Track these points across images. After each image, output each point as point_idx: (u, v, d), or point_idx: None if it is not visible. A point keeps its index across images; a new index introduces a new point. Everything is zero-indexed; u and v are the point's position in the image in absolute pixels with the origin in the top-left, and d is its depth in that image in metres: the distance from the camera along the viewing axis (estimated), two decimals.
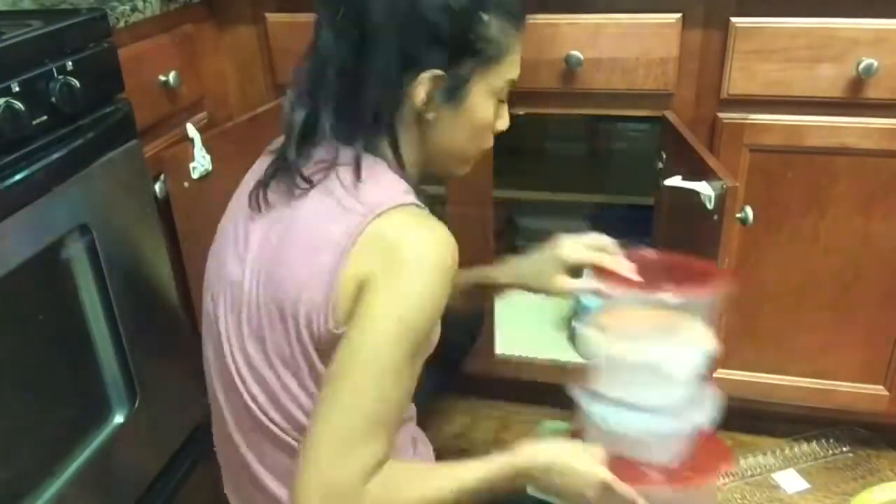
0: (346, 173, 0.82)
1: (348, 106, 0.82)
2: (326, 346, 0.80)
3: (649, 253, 1.10)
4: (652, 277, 1.01)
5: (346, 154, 0.83)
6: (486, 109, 0.88)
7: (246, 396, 0.88)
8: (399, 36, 0.79)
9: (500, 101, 0.90)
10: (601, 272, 1.02)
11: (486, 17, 0.82)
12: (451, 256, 0.80)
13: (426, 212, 0.83)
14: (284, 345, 0.83)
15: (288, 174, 0.84)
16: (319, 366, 0.82)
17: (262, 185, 0.87)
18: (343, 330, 0.78)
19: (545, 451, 0.87)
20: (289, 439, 0.88)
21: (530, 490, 0.89)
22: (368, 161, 0.83)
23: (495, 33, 0.83)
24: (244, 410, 0.89)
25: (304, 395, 0.85)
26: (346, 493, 0.76)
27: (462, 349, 1.40)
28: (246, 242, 0.88)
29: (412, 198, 0.82)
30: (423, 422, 1.05)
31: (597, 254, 1.06)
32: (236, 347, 0.88)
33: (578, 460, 0.87)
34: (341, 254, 0.77)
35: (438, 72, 0.81)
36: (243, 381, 0.88)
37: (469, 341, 1.41)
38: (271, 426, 0.87)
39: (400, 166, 0.86)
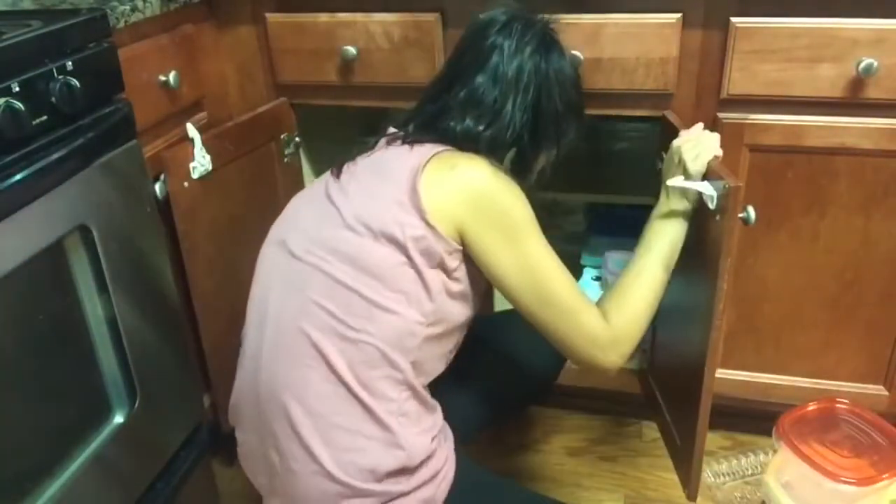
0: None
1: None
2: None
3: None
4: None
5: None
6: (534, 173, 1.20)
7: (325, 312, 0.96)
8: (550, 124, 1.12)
9: None
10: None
11: (570, 117, 1.14)
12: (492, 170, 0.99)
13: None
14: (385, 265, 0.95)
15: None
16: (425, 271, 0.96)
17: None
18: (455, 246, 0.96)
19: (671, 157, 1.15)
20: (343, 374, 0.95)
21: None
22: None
23: (570, 130, 1.17)
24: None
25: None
26: (609, 336, 1.01)
27: (530, 398, 1.44)
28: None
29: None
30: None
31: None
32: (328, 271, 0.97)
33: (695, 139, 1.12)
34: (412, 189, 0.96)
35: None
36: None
37: (535, 392, 1.43)
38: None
39: None
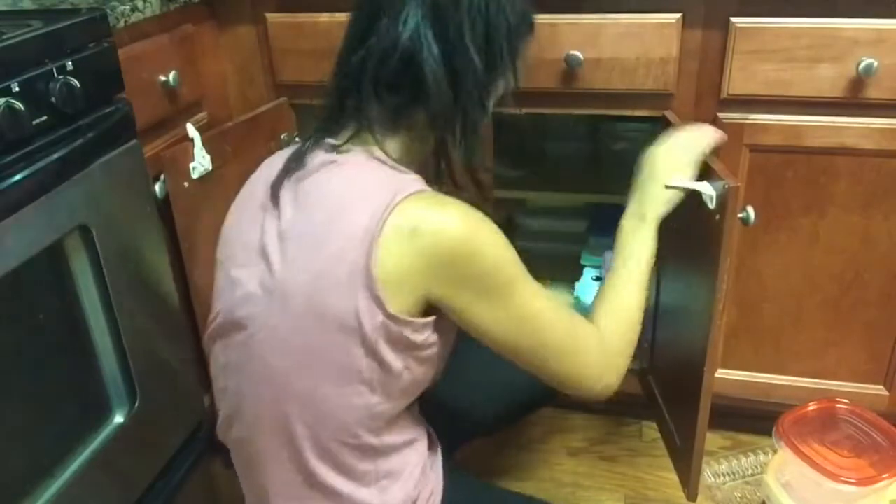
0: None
1: (404, 98, 0.85)
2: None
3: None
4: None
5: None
6: (490, 112, 0.93)
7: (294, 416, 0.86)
8: (471, 56, 0.84)
9: None
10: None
11: (522, 45, 0.91)
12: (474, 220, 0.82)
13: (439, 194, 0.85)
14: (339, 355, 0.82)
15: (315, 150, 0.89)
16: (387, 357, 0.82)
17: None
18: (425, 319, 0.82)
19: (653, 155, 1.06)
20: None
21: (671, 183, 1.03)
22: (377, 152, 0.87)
23: (523, 56, 0.92)
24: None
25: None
26: (600, 359, 0.93)
27: (529, 409, 1.39)
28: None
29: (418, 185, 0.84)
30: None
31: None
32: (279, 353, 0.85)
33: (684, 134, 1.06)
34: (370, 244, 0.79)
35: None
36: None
37: (536, 404, 1.39)
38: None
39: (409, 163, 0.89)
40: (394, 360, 0.82)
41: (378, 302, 0.79)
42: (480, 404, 1.20)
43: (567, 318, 0.90)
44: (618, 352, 0.95)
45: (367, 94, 0.86)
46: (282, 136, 1.48)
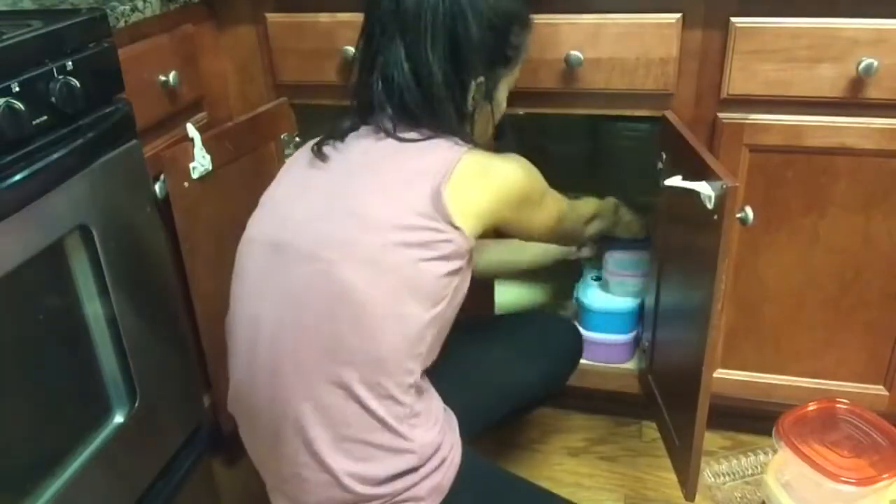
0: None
1: (420, 102, 1.01)
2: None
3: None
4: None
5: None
6: (505, 99, 1.14)
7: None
8: (467, 52, 1.01)
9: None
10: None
11: (514, 28, 1.06)
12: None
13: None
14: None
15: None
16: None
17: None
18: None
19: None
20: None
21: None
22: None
23: (519, 40, 1.08)
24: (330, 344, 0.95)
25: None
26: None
27: (537, 402, 1.43)
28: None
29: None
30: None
31: None
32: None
33: None
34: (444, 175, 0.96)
35: (482, 79, 1.04)
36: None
37: (544, 396, 1.43)
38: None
39: None
40: (445, 269, 0.96)
41: (447, 218, 0.95)
42: (480, 403, 1.21)
43: (568, 205, 1.25)
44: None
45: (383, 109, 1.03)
46: (282, 137, 1.48)
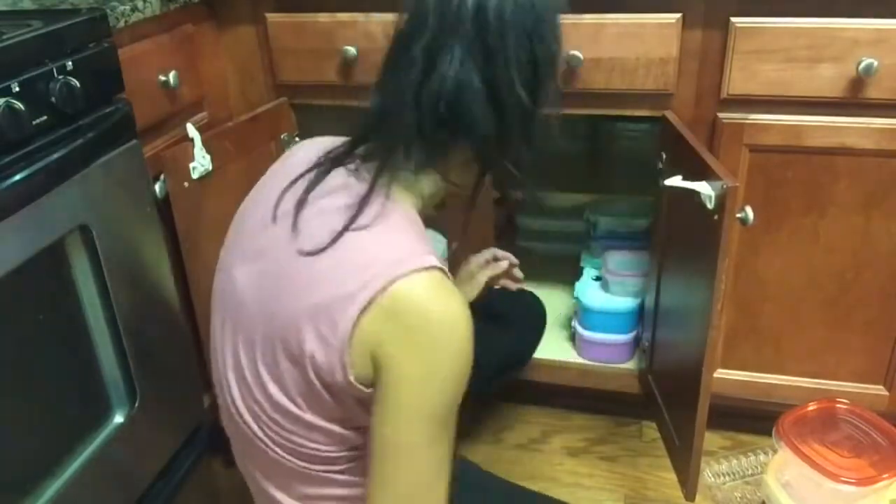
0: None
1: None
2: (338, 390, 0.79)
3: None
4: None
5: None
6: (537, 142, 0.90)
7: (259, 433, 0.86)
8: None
9: None
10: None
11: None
12: (469, 326, 0.76)
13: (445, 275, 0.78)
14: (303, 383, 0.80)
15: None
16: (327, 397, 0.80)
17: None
18: (365, 390, 0.77)
19: None
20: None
21: None
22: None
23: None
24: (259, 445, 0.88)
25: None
26: None
27: (503, 372, 1.43)
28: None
29: (433, 258, 0.77)
30: None
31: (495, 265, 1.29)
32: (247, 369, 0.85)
33: None
34: (357, 312, 0.74)
35: None
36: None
37: (514, 366, 1.46)
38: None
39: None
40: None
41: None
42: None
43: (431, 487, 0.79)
44: None
45: (412, 128, 0.80)
46: (282, 137, 1.48)
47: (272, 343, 0.81)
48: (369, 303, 0.73)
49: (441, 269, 0.76)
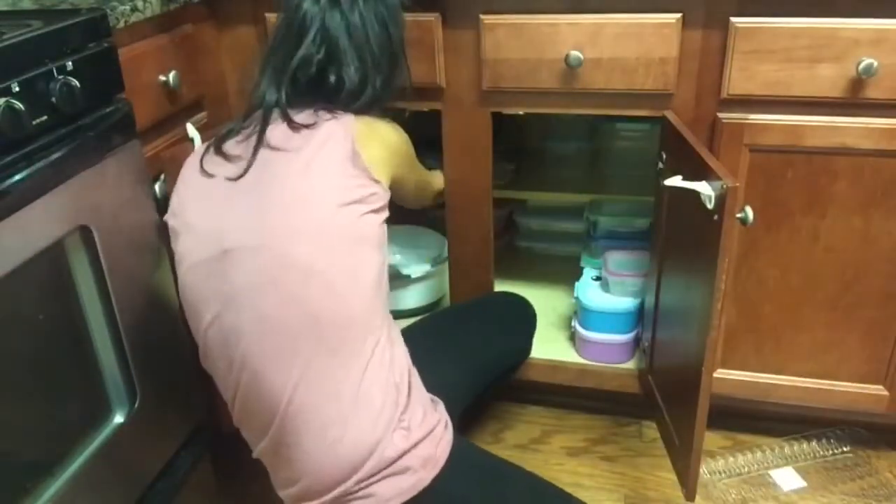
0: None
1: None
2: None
3: None
4: None
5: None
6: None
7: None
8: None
9: None
10: None
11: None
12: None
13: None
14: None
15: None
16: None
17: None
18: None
19: None
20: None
21: None
22: None
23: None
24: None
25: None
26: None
27: (509, 371, 1.50)
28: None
29: None
30: None
31: None
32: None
33: None
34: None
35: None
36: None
37: (512, 365, 1.50)
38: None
39: None
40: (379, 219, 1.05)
41: (368, 174, 1.03)
42: (458, 387, 1.24)
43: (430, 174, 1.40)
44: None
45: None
46: None
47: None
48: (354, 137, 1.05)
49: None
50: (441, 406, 1.09)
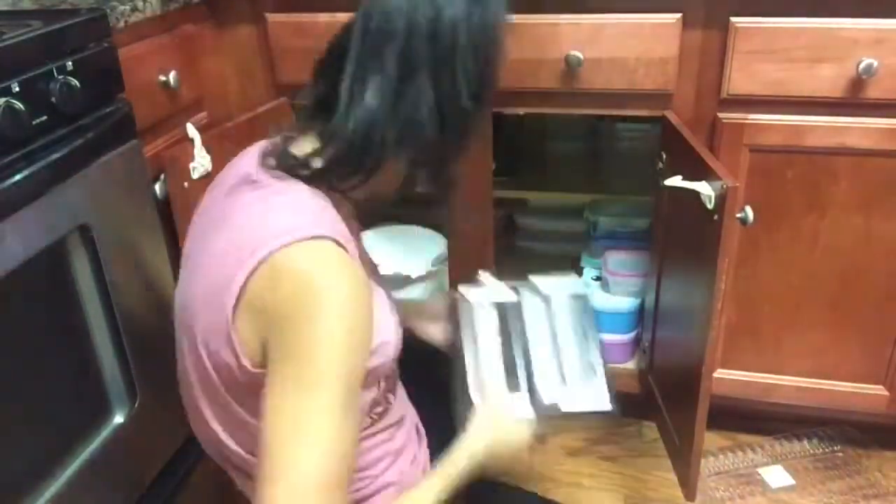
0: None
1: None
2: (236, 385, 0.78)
3: None
4: None
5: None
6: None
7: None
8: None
9: None
10: None
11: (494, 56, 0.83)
12: (357, 291, 0.74)
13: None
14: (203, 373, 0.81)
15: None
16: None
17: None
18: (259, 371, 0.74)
19: (474, 442, 0.91)
20: None
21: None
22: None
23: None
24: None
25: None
26: None
27: None
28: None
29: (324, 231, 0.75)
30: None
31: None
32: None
33: (505, 436, 0.96)
34: (238, 284, 0.73)
35: None
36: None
37: None
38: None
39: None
40: None
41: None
42: None
43: (326, 467, 0.70)
44: None
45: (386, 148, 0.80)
46: None
47: (190, 340, 0.81)
48: (253, 271, 0.72)
49: (334, 241, 0.74)
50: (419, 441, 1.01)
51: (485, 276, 1.10)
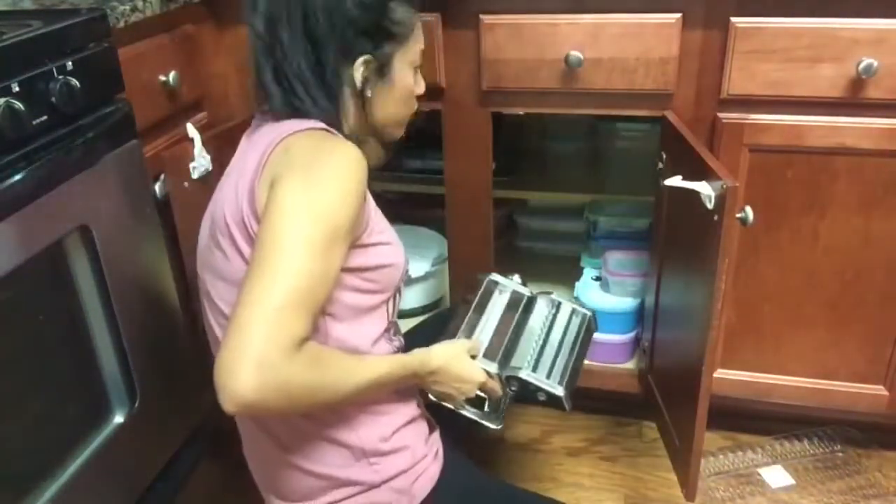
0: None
1: (306, 86, 0.96)
2: None
3: None
4: None
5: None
6: (407, 78, 1.04)
7: None
8: (333, 34, 0.95)
9: (416, 70, 1.05)
10: None
11: (392, 5, 0.98)
12: (358, 158, 0.90)
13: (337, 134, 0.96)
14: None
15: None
16: None
17: None
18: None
19: (435, 357, 1.01)
20: None
21: (431, 396, 1.05)
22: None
23: (402, 16, 0.99)
24: None
25: None
26: (276, 364, 0.76)
27: None
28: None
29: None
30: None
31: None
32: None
33: (460, 366, 1.03)
34: (256, 169, 0.90)
35: (368, 56, 0.97)
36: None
37: None
38: None
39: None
40: None
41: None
42: None
43: (298, 295, 0.80)
44: (283, 380, 0.77)
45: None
46: None
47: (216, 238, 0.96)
48: (271, 150, 0.90)
49: (326, 129, 0.94)
50: (431, 441, 1.06)
51: (515, 276, 1.26)
